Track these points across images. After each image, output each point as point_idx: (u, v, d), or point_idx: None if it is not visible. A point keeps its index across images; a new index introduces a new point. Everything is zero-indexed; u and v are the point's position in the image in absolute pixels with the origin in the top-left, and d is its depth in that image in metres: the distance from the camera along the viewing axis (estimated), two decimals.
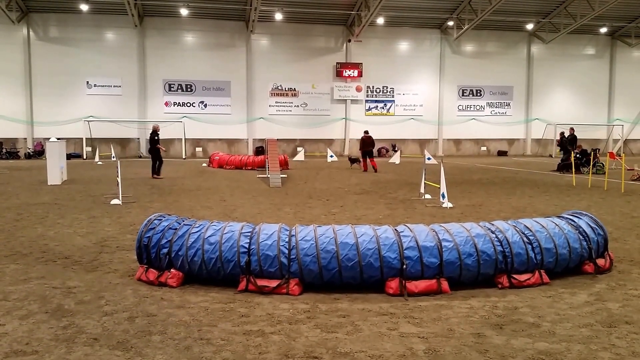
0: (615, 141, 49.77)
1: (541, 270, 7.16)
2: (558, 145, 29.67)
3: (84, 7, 39.67)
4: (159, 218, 7.48)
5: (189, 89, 43.44)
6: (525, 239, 7.16)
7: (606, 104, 50.12)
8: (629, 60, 49.77)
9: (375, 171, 27.24)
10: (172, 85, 43.23)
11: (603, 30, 47.75)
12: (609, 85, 50.00)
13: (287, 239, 6.87)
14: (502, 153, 47.98)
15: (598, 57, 49.63)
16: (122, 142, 42.72)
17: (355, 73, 45.38)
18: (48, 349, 4.98)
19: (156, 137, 23.33)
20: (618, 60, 49.72)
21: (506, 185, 20.41)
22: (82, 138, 40.62)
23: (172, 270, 7.06)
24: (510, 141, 49.16)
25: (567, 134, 29.17)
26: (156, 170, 23.29)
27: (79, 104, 41.42)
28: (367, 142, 28.20)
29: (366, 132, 29.00)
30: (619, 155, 26.22)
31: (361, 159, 28.74)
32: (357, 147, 45.98)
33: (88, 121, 40.85)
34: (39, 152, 39.22)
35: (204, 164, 33.12)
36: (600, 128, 49.72)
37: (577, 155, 25.72)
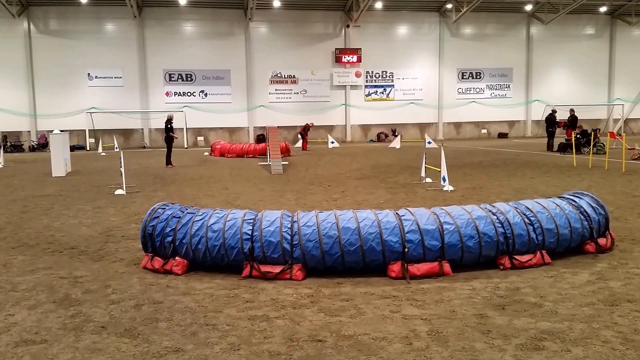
0: (616, 121, 49.63)
1: (543, 251, 7.21)
2: (546, 123, 30.08)
3: (83, 0, 39.62)
4: (162, 207, 7.54)
5: (189, 79, 43.38)
6: (526, 220, 7.20)
7: (606, 83, 49.90)
8: (629, 39, 49.48)
9: (305, 150, 35.34)
10: (172, 75, 43.16)
11: (603, 9, 47.43)
12: (609, 65, 49.76)
13: (289, 225, 6.92)
14: (502, 135, 47.89)
15: (598, 36, 49.37)
16: (125, 133, 42.75)
17: (355, 58, 45.23)
18: (57, 338, 5.05)
19: (169, 126, 23.70)
20: (618, 39, 49.45)
21: (507, 167, 20.42)
22: (85, 130, 40.63)
23: (177, 258, 7.13)
24: (511, 123, 49.05)
25: (548, 113, 30.10)
26: (169, 160, 23.65)
27: (80, 96, 41.40)
28: (305, 128, 37.26)
29: (312, 123, 38.86)
30: (620, 135, 26.22)
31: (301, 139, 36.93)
32: (358, 133, 46.28)
33: (90, 113, 40.84)
34: (42, 145, 39.25)
35: (206, 153, 33.16)
36: (600, 108, 49.54)
37: (578, 136, 25.73)
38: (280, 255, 6.78)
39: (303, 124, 38.00)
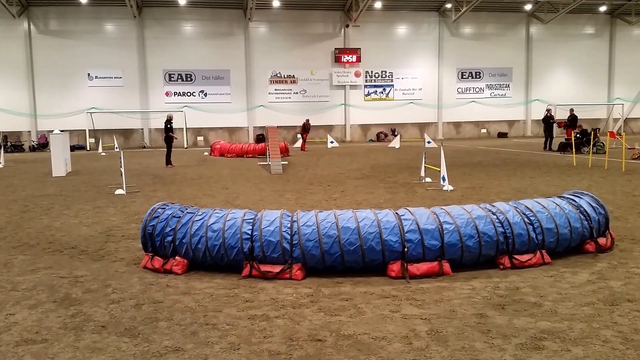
0: (616, 120, 49.61)
1: (542, 251, 7.21)
2: (543, 123, 30.52)
3: (83, 0, 39.62)
4: (162, 207, 7.54)
5: (189, 79, 43.37)
6: (526, 219, 7.20)
7: (606, 83, 49.87)
8: (629, 39, 49.47)
9: (303, 150, 34.58)
10: (172, 75, 43.15)
11: (602, 8, 47.40)
12: (608, 64, 49.73)
13: (289, 225, 6.93)
14: (502, 135, 47.87)
15: (597, 36, 49.35)
16: (125, 133, 42.74)
17: (354, 58, 45.21)
18: (57, 337, 5.06)
19: (169, 126, 23.72)
20: (618, 38, 49.43)
21: (507, 167, 20.43)
22: (85, 130, 40.61)
23: (177, 257, 7.14)
24: (511, 123, 49.04)
25: (548, 114, 30.49)
26: (169, 160, 23.69)
27: (81, 96, 41.39)
28: (304, 126, 36.48)
29: (307, 120, 37.45)
30: (620, 134, 26.22)
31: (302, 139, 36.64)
32: (357, 133, 46.28)
33: (90, 113, 40.82)
34: (43, 145, 39.26)
35: (206, 153, 33.15)
36: (600, 107, 49.52)
37: (578, 135, 25.74)
38: (280, 255, 6.79)
39: (300, 124, 37.86)
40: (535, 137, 44.12)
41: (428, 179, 16.21)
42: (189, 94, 43.50)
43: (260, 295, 6.21)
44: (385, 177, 17.97)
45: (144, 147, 41.73)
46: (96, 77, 41.85)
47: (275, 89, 44.80)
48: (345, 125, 46.15)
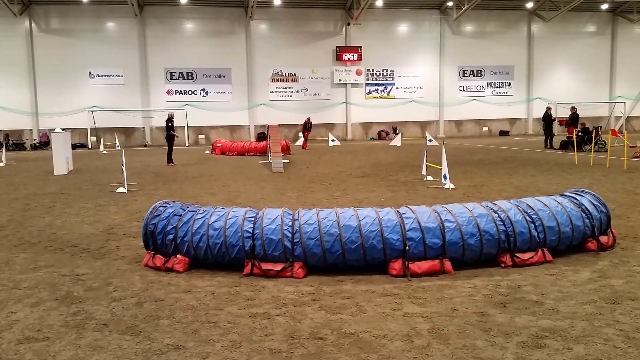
0: (617, 118, 49.57)
1: (544, 249, 7.19)
2: (543, 121, 30.58)
3: None
4: (164, 205, 7.54)
5: (190, 77, 43.40)
6: (527, 217, 7.19)
7: (608, 81, 49.86)
8: (631, 37, 49.41)
9: (304, 149, 34.66)
10: (173, 74, 43.17)
11: (604, 6, 47.36)
12: (610, 63, 49.71)
13: (290, 223, 6.92)
14: (503, 133, 47.84)
15: (599, 34, 49.31)
16: (127, 131, 42.79)
17: (355, 56, 45.22)
18: (59, 335, 5.06)
19: (170, 124, 23.75)
20: (620, 36, 49.39)
21: (508, 165, 20.41)
22: (86, 128, 40.70)
23: (178, 255, 7.13)
24: (512, 121, 49.02)
25: (548, 112, 30.53)
26: (170, 158, 23.71)
27: (82, 95, 41.45)
28: (305, 125, 36.81)
29: (308, 118, 37.45)
30: (621, 133, 26.19)
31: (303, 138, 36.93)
32: (358, 131, 46.27)
33: (92, 111, 40.88)
34: (44, 143, 39.34)
35: (207, 151, 33.19)
36: (602, 105, 49.48)
37: (579, 134, 25.72)
38: (281, 253, 6.78)
39: (302, 122, 37.87)
40: (537, 135, 44.07)
41: (429, 177, 16.20)
42: (190, 92, 43.54)
43: (262, 293, 6.21)
44: (386, 176, 17.95)
45: (145, 146, 41.77)
46: (97, 75, 41.91)
47: (277, 87, 44.83)
48: (346, 123, 46.17)
